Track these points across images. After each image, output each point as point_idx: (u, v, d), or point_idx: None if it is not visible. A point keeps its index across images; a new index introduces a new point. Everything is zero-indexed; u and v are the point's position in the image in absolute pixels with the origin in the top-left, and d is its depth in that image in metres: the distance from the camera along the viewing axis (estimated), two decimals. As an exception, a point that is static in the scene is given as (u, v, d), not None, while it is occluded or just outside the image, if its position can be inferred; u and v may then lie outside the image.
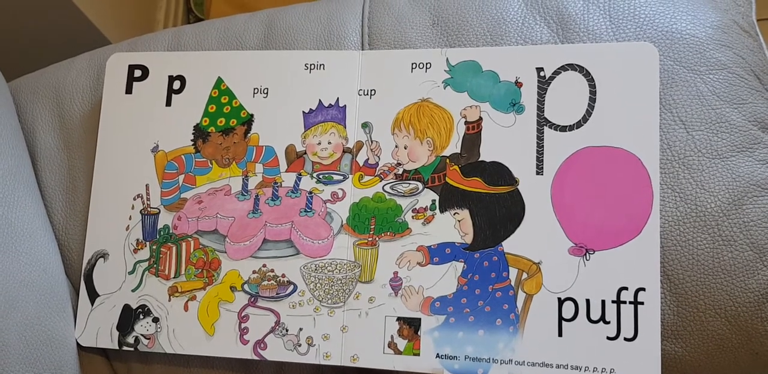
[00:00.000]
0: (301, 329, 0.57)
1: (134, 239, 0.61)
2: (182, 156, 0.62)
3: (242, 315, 0.58)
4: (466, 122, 0.58)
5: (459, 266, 0.56)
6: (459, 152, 0.58)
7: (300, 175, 0.60)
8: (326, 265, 0.58)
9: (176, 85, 0.63)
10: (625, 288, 0.53)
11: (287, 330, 0.57)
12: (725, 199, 0.54)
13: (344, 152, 0.60)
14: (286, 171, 0.60)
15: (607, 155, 0.55)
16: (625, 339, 0.53)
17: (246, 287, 0.59)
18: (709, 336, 0.54)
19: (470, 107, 0.58)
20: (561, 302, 0.54)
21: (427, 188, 0.58)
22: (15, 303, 0.54)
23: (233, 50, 0.66)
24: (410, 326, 0.56)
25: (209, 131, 0.62)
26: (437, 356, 0.55)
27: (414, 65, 0.60)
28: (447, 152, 0.58)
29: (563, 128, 0.56)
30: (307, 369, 0.62)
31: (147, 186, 0.62)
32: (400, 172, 0.59)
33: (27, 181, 0.62)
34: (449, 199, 0.57)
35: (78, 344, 0.60)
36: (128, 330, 0.60)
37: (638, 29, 0.58)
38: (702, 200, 0.55)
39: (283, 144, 0.61)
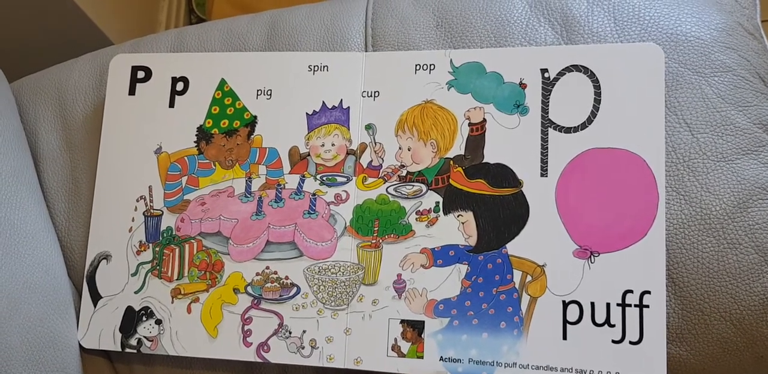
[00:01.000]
0: (304, 331, 0.57)
1: (137, 241, 0.61)
2: (185, 158, 0.62)
3: (245, 317, 0.58)
4: (470, 124, 0.58)
5: (463, 268, 0.56)
6: (463, 153, 0.58)
7: (303, 177, 0.60)
8: (329, 267, 0.58)
9: (179, 86, 0.63)
10: (630, 291, 0.53)
11: (290, 333, 0.57)
12: (730, 202, 0.54)
13: (348, 153, 0.60)
14: (289, 173, 0.60)
15: (612, 156, 0.55)
16: (631, 342, 0.53)
17: (249, 289, 0.58)
18: (714, 340, 0.54)
19: (474, 108, 0.58)
20: (566, 305, 0.54)
21: (430, 190, 0.58)
22: (17, 305, 0.54)
23: (236, 52, 0.66)
24: (414, 328, 0.56)
25: (212, 132, 0.62)
26: (441, 359, 0.55)
27: (418, 67, 0.59)
28: (451, 154, 0.58)
29: (568, 130, 0.56)
30: (311, 372, 0.61)
31: (150, 188, 0.62)
32: (404, 174, 0.58)
33: (29, 182, 0.62)
34: (453, 201, 0.57)
35: (80, 346, 0.60)
36: (131, 332, 0.60)
37: (643, 31, 0.58)
38: (707, 203, 0.54)
39: (287, 146, 0.61)
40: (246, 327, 0.58)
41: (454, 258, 0.56)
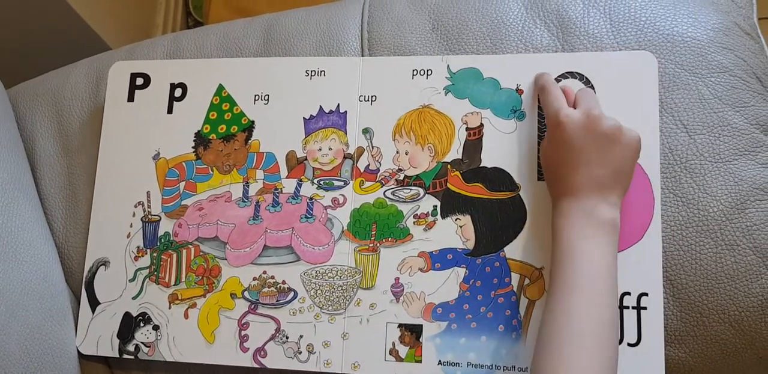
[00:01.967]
0: (301, 336, 0.57)
1: (135, 247, 0.61)
2: (183, 163, 0.62)
3: (242, 322, 0.58)
4: (467, 129, 0.58)
5: (461, 272, 0.56)
6: (460, 157, 0.58)
7: (301, 181, 0.60)
8: (327, 271, 0.58)
9: (178, 92, 0.63)
10: (628, 293, 0.53)
11: (287, 338, 0.57)
12: (728, 203, 0.54)
13: (345, 157, 0.60)
14: (286, 177, 0.60)
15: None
16: (629, 344, 0.53)
17: (246, 294, 0.58)
18: (712, 341, 0.54)
19: (471, 113, 0.58)
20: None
21: (428, 193, 0.58)
22: (16, 311, 0.54)
23: (233, 57, 0.66)
24: (412, 332, 0.56)
25: (210, 137, 0.62)
26: (439, 363, 0.55)
27: (415, 72, 0.59)
28: (448, 158, 0.58)
29: (564, 134, 0.56)
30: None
31: (148, 193, 0.62)
32: (401, 178, 0.58)
33: (27, 189, 0.62)
34: (451, 205, 0.57)
35: (79, 352, 0.60)
36: (129, 337, 0.60)
37: (639, 33, 0.58)
38: (704, 205, 0.54)
39: (284, 150, 0.61)
40: (243, 332, 0.58)
41: (451, 262, 0.56)
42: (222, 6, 1.26)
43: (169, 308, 0.60)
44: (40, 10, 1.04)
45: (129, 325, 0.60)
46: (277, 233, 0.59)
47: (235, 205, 0.61)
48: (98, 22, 1.12)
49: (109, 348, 0.60)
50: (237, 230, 0.60)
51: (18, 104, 0.69)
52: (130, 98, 0.64)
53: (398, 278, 0.57)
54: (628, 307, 0.53)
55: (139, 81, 0.64)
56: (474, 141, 0.58)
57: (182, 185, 0.62)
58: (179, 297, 0.59)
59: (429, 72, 0.59)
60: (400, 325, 0.56)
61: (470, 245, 0.56)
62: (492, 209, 0.56)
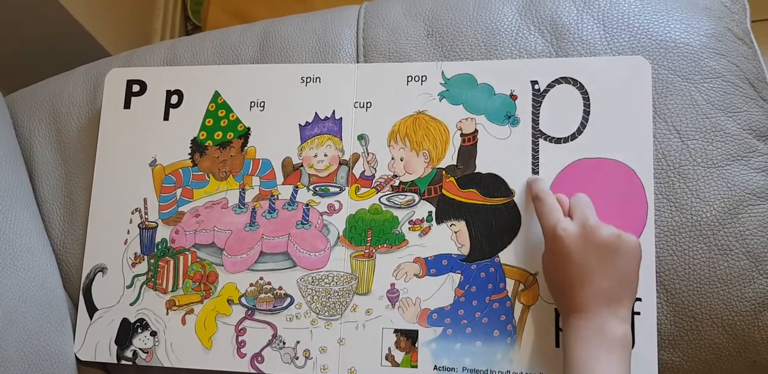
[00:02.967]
0: (298, 342, 0.57)
1: (132, 253, 0.61)
2: (180, 170, 0.62)
3: (239, 328, 0.58)
4: (461, 134, 0.58)
5: (456, 277, 0.56)
6: (455, 163, 0.58)
7: (296, 187, 0.60)
8: (323, 277, 0.58)
9: (174, 99, 0.63)
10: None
11: (284, 343, 0.58)
12: (721, 208, 0.54)
13: (340, 164, 0.60)
14: (282, 184, 0.61)
15: (601, 166, 0.55)
16: None
17: (243, 300, 0.59)
18: (706, 345, 0.54)
19: (466, 119, 0.58)
20: (558, 313, 0.54)
21: (423, 199, 0.58)
22: (14, 318, 0.55)
23: (229, 64, 0.66)
24: (407, 338, 0.56)
25: (206, 144, 0.62)
26: (435, 368, 0.55)
27: (410, 78, 0.60)
28: (443, 164, 0.58)
29: (558, 140, 0.57)
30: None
31: (145, 200, 0.62)
32: (397, 184, 0.59)
33: (25, 196, 0.63)
34: (446, 210, 0.58)
35: (77, 358, 0.60)
36: (126, 343, 0.60)
37: (632, 38, 0.59)
38: (697, 210, 0.55)
39: (280, 157, 0.61)
40: (240, 338, 0.58)
41: (447, 267, 0.57)
42: (220, 11, 1.26)
43: (167, 314, 0.60)
44: (38, 15, 1.04)
45: (127, 331, 0.60)
46: (273, 240, 0.60)
47: (231, 211, 0.61)
48: (96, 27, 1.13)
49: (107, 354, 0.60)
50: (233, 237, 0.60)
51: (16, 111, 0.70)
52: (127, 105, 0.64)
53: (394, 283, 0.57)
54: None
55: (136, 88, 0.65)
56: (468, 147, 0.58)
57: (179, 191, 0.62)
58: (176, 303, 0.60)
59: (423, 78, 0.60)
60: (395, 330, 0.56)
61: (465, 250, 0.57)
62: (487, 214, 0.57)
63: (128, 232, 0.62)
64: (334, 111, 0.61)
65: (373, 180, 0.59)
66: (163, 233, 0.61)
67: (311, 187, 0.60)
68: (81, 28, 1.09)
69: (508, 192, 0.57)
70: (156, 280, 0.60)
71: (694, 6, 0.60)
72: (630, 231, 0.54)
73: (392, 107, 0.60)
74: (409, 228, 0.58)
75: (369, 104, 0.60)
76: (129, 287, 0.61)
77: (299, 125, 0.61)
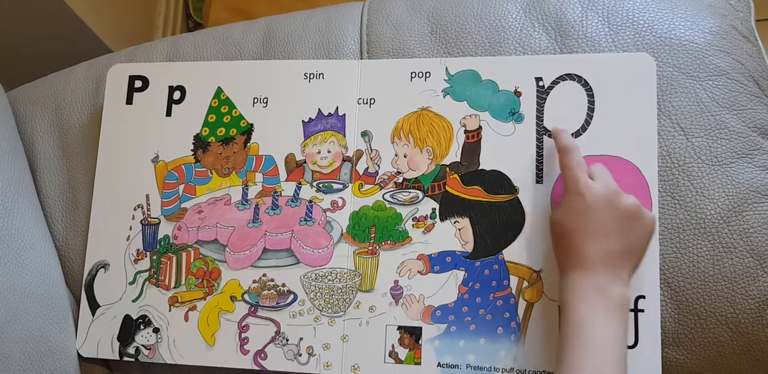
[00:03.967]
0: (301, 338, 0.57)
1: (135, 250, 0.61)
2: (182, 166, 0.62)
3: (242, 324, 0.58)
4: (465, 131, 0.58)
5: (460, 274, 0.56)
6: (459, 160, 0.58)
7: (300, 184, 0.60)
8: (326, 274, 0.58)
9: (176, 95, 0.63)
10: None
11: (287, 340, 0.57)
12: (725, 206, 0.54)
13: (344, 160, 0.60)
14: (285, 180, 0.60)
15: (605, 163, 0.55)
16: (627, 346, 0.53)
17: (246, 296, 0.59)
18: (710, 343, 0.54)
19: (470, 116, 0.58)
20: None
21: (427, 196, 0.58)
22: (16, 314, 0.55)
23: (232, 60, 0.66)
24: (411, 335, 0.56)
25: (209, 140, 0.62)
26: (438, 365, 0.55)
27: (413, 74, 0.60)
28: (447, 161, 0.58)
29: (562, 137, 0.56)
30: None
31: (147, 196, 0.62)
32: (400, 180, 0.59)
33: (27, 192, 0.62)
34: (449, 207, 0.57)
35: (79, 355, 0.60)
36: (129, 340, 0.60)
37: (637, 36, 0.58)
38: (702, 207, 0.55)
39: (283, 153, 0.61)
40: (243, 335, 0.58)
41: (450, 264, 0.57)
42: (222, 8, 1.26)
43: (169, 310, 0.60)
44: (40, 12, 1.04)
45: (129, 328, 0.60)
46: (276, 236, 0.60)
47: (234, 208, 0.61)
48: (98, 24, 1.12)
49: (109, 350, 0.60)
50: (236, 233, 0.60)
51: (18, 106, 0.70)
52: (129, 101, 0.64)
53: (397, 280, 0.57)
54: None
55: (138, 84, 0.64)
56: (472, 144, 0.58)
57: (181, 187, 0.62)
58: (179, 300, 0.60)
59: (427, 74, 0.60)
60: (399, 327, 0.56)
61: (469, 247, 0.57)
62: (491, 211, 0.57)
63: (130, 228, 0.62)
64: (337, 107, 0.61)
65: (377, 177, 0.59)
66: (165, 229, 0.61)
67: (314, 183, 0.60)
68: (83, 24, 1.09)
69: (512, 189, 0.57)
70: (158, 277, 0.60)
71: (699, 3, 0.60)
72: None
73: (396, 103, 0.60)
74: (413, 225, 0.58)
75: (372, 101, 0.60)
76: (131, 283, 0.61)
77: (302, 121, 0.61)
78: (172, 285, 0.60)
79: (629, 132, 0.55)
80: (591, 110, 0.56)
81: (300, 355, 0.57)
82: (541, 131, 0.57)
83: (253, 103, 0.62)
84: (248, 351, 0.58)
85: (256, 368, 0.57)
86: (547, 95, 0.57)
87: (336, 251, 0.58)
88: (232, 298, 0.59)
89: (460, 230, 0.57)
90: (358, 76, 0.61)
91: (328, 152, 0.60)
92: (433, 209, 0.58)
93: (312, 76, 0.62)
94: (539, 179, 0.56)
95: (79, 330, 0.61)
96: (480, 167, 0.57)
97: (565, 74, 0.57)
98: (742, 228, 0.54)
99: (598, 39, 0.59)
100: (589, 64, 0.57)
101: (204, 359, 0.58)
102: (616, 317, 0.47)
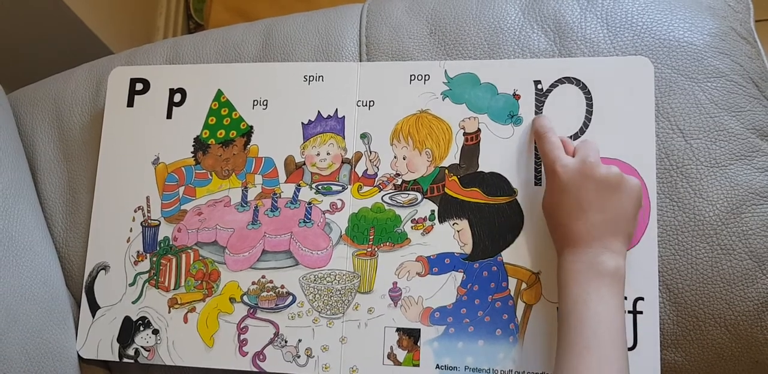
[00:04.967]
0: (300, 340, 0.57)
1: (135, 251, 0.61)
2: (182, 168, 0.62)
3: (241, 326, 0.58)
4: (464, 133, 0.58)
5: (458, 276, 0.56)
6: (458, 162, 0.58)
7: (299, 186, 0.60)
8: (325, 276, 0.58)
9: (177, 97, 0.64)
10: (624, 298, 0.53)
11: (286, 342, 0.58)
12: (724, 208, 0.54)
13: (343, 162, 0.60)
14: (285, 182, 0.61)
15: (604, 165, 0.55)
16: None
17: (245, 298, 0.59)
18: (709, 345, 0.54)
19: (469, 118, 0.58)
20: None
21: (426, 198, 0.58)
22: (16, 316, 0.55)
23: (232, 62, 0.66)
24: (410, 336, 0.56)
25: (209, 142, 0.62)
26: (437, 367, 0.55)
27: (412, 77, 0.60)
28: (446, 163, 0.58)
29: (561, 139, 0.56)
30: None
31: (147, 198, 0.62)
32: (399, 182, 0.59)
33: (27, 193, 0.63)
34: (448, 209, 0.57)
35: (79, 356, 0.60)
36: (128, 341, 0.60)
37: (635, 37, 0.58)
38: (700, 209, 0.55)
39: (282, 155, 0.61)
40: (242, 337, 0.58)
41: (449, 266, 0.57)
42: (222, 9, 1.26)
43: (169, 312, 0.60)
44: (41, 13, 1.04)
45: (129, 329, 0.60)
46: (275, 238, 0.60)
47: (233, 210, 0.61)
48: (99, 25, 1.13)
49: (109, 352, 0.60)
50: (236, 235, 0.60)
51: (19, 108, 0.70)
52: (130, 103, 0.64)
53: (396, 282, 0.57)
54: (624, 311, 0.53)
55: (139, 86, 0.65)
56: (471, 146, 0.58)
57: (181, 189, 0.62)
58: (179, 302, 0.60)
59: (426, 77, 0.60)
60: (398, 329, 0.56)
61: (468, 249, 0.57)
62: (489, 213, 0.57)
63: (131, 230, 0.62)
64: (336, 109, 0.61)
65: (376, 179, 0.59)
66: (165, 231, 0.61)
67: (314, 185, 0.60)
68: (84, 26, 1.10)
69: (511, 191, 0.57)
70: (158, 278, 0.61)
71: (698, 5, 0.60)
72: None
73: (395, 105, 0.60)
74: (412, 227, 0.58)
75: (372, 103, 0.60)
76: (131, 285, 0.61)
77: (302, 123, 0.61)
78: (172, 286, 0.60)
79: (627, 135, 0.56)
80: (589, 112, 0.56)
81: (299, 357, 0.57)
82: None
83: (253, 105, 0.62)
84: (247, 352, 0.58)
85: (254, 370, 0.58)
86: (545, 98, 0.57)
87: (335, 252, 0.58)
88: (231, 300, 0.59)
89: (458, 232, 0.57)
90: (358, 78, 0.61)
91: (328, 154, 0.60)
92: (432, 211, 0.58)
93: (311, 78, 0.62)
94: (538, 181, 0.56)
95: (80, 332, 0.61)
96: (479, 169, 0.58)
97: (563, 77, 0.57)
98: (740, 230, 0.54)
99: (596, 41, 0.59)
100: (588, 68, 0.57)
101: (203, 360, 0.59)
102: (610, 291, 0.48)
